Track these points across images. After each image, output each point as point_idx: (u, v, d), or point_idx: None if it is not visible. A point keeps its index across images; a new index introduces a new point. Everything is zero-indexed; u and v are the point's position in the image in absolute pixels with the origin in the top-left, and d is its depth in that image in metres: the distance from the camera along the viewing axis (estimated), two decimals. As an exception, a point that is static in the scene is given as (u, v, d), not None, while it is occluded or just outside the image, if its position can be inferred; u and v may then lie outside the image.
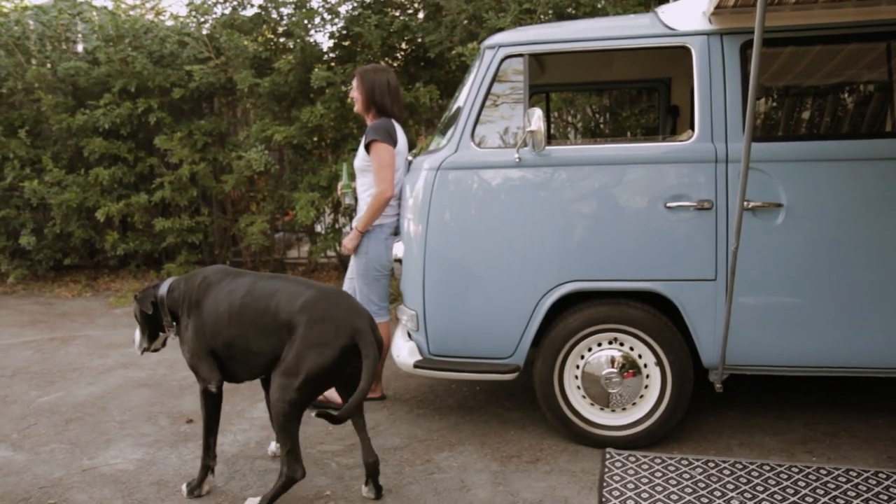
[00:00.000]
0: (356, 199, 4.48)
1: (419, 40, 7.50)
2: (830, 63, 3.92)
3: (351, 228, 4.38)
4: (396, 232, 4.24)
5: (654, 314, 3.62)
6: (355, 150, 7.48)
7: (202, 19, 8.02)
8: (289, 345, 3.08)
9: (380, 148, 4.15)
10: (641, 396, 3.71)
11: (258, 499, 3.15)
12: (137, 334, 3.63)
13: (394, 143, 4.20)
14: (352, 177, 4.51)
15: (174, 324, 3.49)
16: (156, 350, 3.68)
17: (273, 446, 3.80)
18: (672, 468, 3.47)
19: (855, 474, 3.34)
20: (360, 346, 3.03)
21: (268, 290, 3.24)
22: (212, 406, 3.38)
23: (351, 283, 4.44)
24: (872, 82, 4.07)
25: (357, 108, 4.42)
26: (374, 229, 4.23)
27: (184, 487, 3.39)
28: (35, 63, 8.27)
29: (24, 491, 3.50)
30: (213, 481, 3.44)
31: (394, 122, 4.30)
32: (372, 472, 3.28)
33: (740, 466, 3.46)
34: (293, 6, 7.69)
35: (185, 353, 3.39)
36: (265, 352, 3.20)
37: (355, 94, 4.38)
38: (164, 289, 3.52)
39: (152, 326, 3.57)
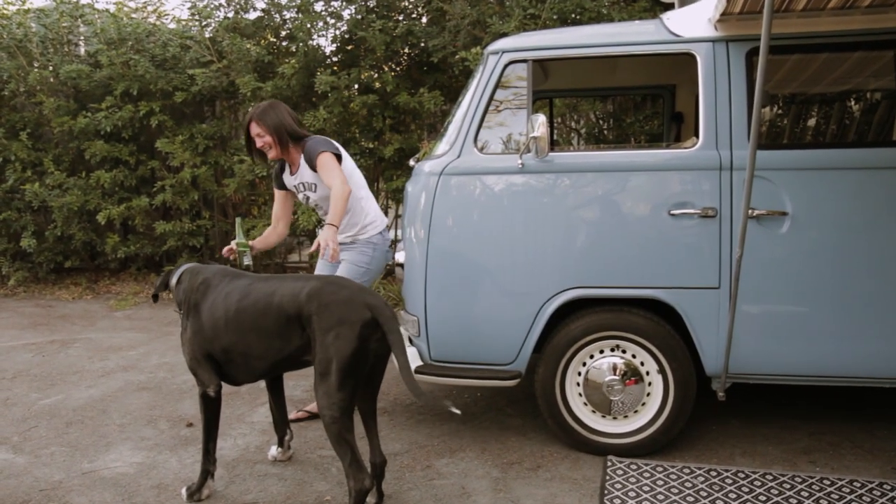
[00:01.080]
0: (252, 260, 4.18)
1: (422, 45, 7.50)
2: (837, 71, 3.92)
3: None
4: (392, 243, 4.22)
5: (657, 322, 3.60)
6: (357, 154, 7.54)
7: (205, 22, 8.02)
8: (312, 342, 3.01)
9: (323, 157, 3.93)
10: (643, 404, 3.70)
11: None
12: None
13: (336, 149, 4.03)
14: (246, 234, 4.20)
15: (179, 310, 3.50)
16: None
17: (274, 451, 3.78)
18: (674, 476, 3.45)
19: (859, 485, 3.32)
20: (380, 321, 2.97)
21: (266, 290, 3.20)
22: (211, 411, 3.37)
23: None
24: (879, 90, 4.06)
25: (273, 153, 4.09)
26: (375, 244, 4.16)
27: (183, 492, 3.38)
28: (37, 66, 8.27)
29: (25, 493, 3.48)
30: (212, 486, 3.42)
31: (317, 135, 4.12)
32: (379, 474, 3.26)
33: (743, 476, 3.45)
34: (296, 10, 7.69)
35: (185, 354, 3.38)
36: (268, 356, 3.18)
37: (266, 140, 4.05)
38: (174, 277, 3.55)
39: None
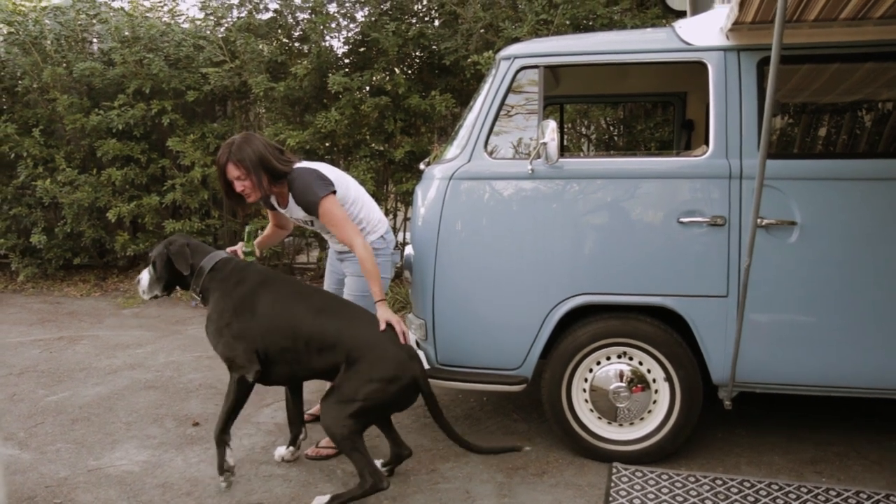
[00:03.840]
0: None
1: (434, 48, 7.51)
2: (848, 81, 3.90)
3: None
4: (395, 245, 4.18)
5: (664, 329, 3.59)
6: (368, 156, 7.54)
7: (218, 22, 8.05)
8: (346, 373, 3.23)
9: (324, 203, 3.60)
10: (650, 411, 3.69)
11: (327, 497, 3.24)
12: (146, 277, 3.60)
13: (330, 184, 3.66)
14: (252, 241, 4.00)
15: (200, 296, 3.57)
16: (157, 297, 3.66)
17: (281, 450, 3.80)
18: (679, 485, 3.45)
19: (865, 496, 3.31)
20: (422, 390, 3.34)
21: (328, 310, 3.42)
22: (242, 394, 3.42)
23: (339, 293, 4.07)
24: (890, 101, 4.04)
25: (253, 198, 3.65)
26: (378, 250, 3.85)
27: (221, 482, 3.47)
28: (51, 63, 8.30)
29: (30, 490, 3.50)
30: (233, 455, 3.53)
31: (300, 167, 3.71)
32: (400, 461, 3.56)
33: (748, 485, 3.44)
34: (309, 11, 7.71)
35: (222, 346, 3.41)
36: (314, 367, 3.38)
37: (245, 184, 3.56)
38: (208, 263, 3.56)
39: (173, 280, 3.62)
